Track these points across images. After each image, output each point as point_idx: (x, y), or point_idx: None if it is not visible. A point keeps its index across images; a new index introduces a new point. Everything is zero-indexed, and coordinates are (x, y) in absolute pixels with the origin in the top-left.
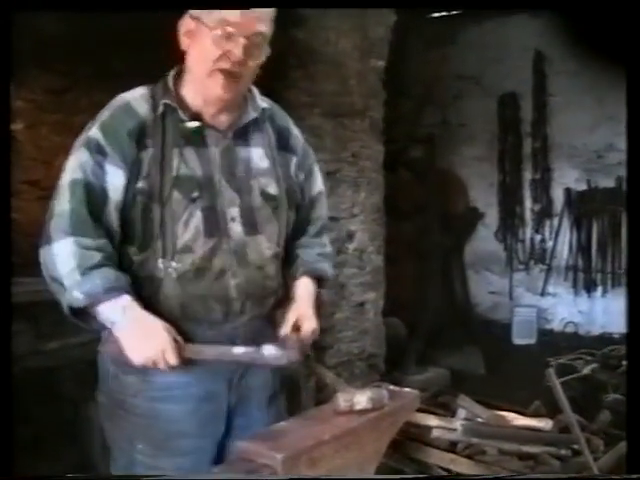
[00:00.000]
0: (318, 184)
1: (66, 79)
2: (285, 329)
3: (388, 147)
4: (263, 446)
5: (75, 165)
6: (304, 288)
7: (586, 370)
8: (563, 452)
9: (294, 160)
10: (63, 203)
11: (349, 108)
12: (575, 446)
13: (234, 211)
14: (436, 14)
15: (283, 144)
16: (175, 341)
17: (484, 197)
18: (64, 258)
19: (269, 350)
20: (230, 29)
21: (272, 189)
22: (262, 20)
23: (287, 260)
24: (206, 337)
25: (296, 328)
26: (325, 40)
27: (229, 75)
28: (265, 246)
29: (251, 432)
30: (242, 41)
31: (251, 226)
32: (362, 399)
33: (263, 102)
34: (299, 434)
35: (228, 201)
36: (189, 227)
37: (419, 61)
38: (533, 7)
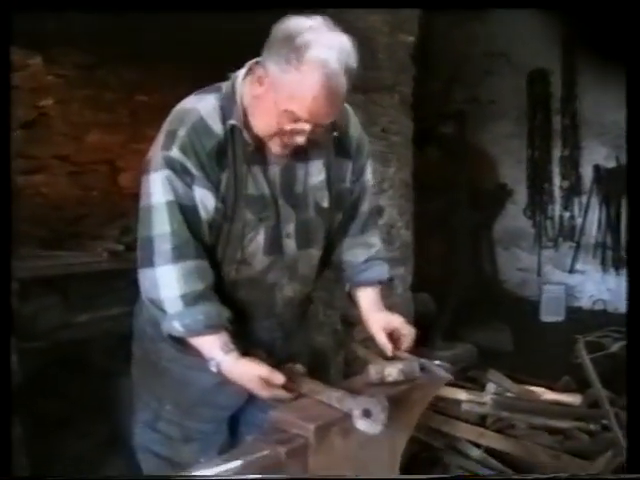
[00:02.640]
0: (367, 179)
1: (96, 55)
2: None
3: (418, 123)
4: (296, 416)
5: (163, 186)
6: (365, 300)
7: (614, 348)
8: (592, 427)
9: (349, 165)
10: (162, 225)
11: (379, 83)
12: (604, 421)
13: (290, 227)
14: None
15: (340, 150)
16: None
17: (513, 174)
18: (168, 285)
19: (360, 417)
20: (296, 123)
21: (325, 202)
22: (332, 114)
23: (333, 262)
24: (245, 329)
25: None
26: (355, 15)
27: (288, 145)
28: (314, 256)
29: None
30: (308, 130)
31: (304, 240)
32: (393, 371)
33: None
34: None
35: (285, 218)
36: (252, 243)
37: (449, 37)
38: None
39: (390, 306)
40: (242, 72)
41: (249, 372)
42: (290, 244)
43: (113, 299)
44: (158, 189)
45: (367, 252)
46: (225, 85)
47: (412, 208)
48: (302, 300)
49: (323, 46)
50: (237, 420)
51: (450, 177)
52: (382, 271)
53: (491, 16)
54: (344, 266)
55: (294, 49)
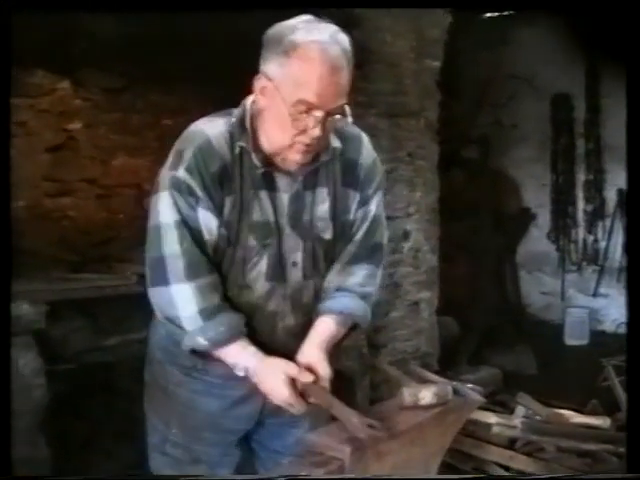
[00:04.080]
0: (369, 210)
1: (123, 79)
2: (300, 376)
3: (442, 147)
4: (332, 439)
5: (170, 206)
6: (318, 329)
7: None
8: (621, 450)
9: (356, 197)
10: (172, 244)
11: (405, 108)
12: None
13: (297, 256)
14: (489, 14)
15: (348, 180)
16: (295, 381)
17: (537, 198)
18: (184, 302)
19: (355, 420)
20: (309, 113)
21: (328, 234)
22: (341, 94)
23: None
24: None
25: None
26: (381, 41)
27: (309, 145)
28: (319, 285)
29: (282, 429)
30: (322, 118)
31: (310, 270)
32: (427, 394)
33: (335, 141)
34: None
35: (291, 247)
36: (255, 269)
37: (473, 62)
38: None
39: (417, 330)
40: (251, 97)
41: (279, 368)
42: (296, 273)
43: (142, 322)
44: (165, 209)
45: (343, 281)
46: (236, 110)
47: (438, 232)
48: (305, 327)
49: (315, 31)
50: (253, 442)
51: (474, 201)
52: (349, 304)
53: (515, 39)
54: (321, 294)
55: (288, 42)
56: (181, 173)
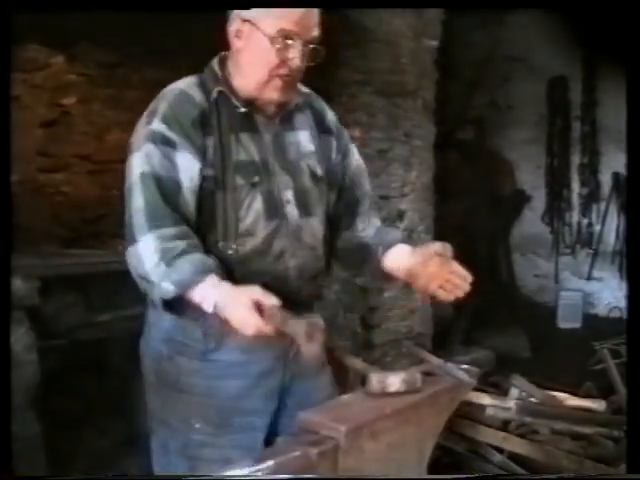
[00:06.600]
0: (355, 159)
1: (118, 54)
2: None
3: (438, 127)
4: (327, 418)
5: (141, 159)
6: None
7: None
8: (616, 433)
9: (333, 142)
10: (137, 198)
11: (401, 87)
12: None
13: (289, 194)
14: None
15: (322, 127)
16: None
17: (531, 180)
18: (148, 254)
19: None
20: (289, 41)
21: (319, 170)
22: (315, 25)
23: (353, 254)
24: None
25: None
26: (379, 19)
27: (287, 80)
28: (317, 228)
29: (302, 409)
30: (301, 48)
31: (304, 208)
32: (395, 381)
33: (303, 87)
34: (362, 407)
35: (283, 184)
36: (251, 211)
37: (470, 42)
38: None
39: (410, 310)
40: (216, 58)
41: (243, 294)
42: (292, 210)
43: (134, 299)
44: (135, 164)
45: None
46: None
47: (433, 212)
48: (315, 275)
49: None
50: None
51: (469, 182)
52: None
53: (512, 20)
54: (369, 241)
55: None
56: (155, 125)
